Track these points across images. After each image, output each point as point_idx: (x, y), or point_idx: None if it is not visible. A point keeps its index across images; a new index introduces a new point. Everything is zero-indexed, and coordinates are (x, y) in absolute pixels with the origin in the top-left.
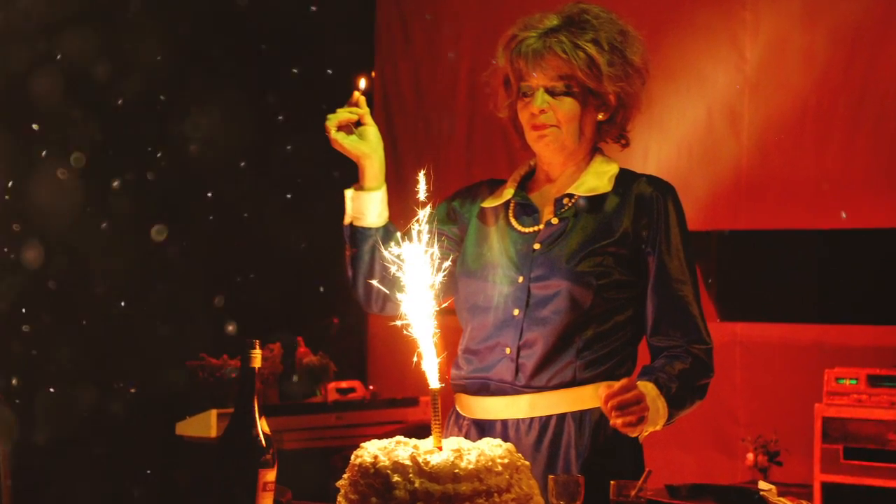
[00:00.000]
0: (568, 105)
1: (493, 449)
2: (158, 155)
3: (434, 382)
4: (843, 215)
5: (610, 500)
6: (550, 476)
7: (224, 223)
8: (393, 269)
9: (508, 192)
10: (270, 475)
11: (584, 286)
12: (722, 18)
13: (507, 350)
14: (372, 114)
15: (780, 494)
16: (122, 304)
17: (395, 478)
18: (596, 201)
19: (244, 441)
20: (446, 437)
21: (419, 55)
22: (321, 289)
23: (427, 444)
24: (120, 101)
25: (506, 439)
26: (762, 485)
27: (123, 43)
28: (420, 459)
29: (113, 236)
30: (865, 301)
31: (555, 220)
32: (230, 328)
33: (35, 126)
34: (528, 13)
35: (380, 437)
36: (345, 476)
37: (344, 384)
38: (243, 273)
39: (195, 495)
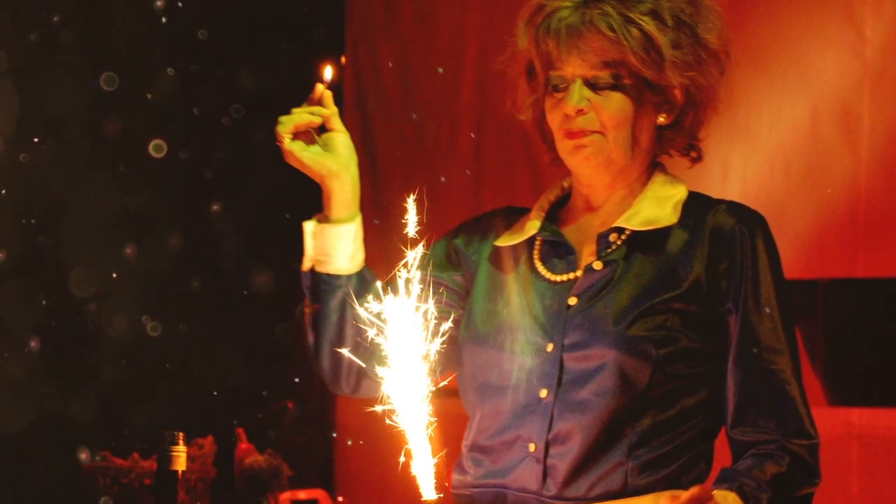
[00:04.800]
0: (616, 103)
1: None
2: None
3: (429, 492)
4: None
5: None
6: None
7: None
8: (371, 332)
9: (533, 226)
10: None
11: (640, 357)
12: None
13: (532, 447)
14: (342, 115)
15: None
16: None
17: None
18: (656, 238)
19: None
20: None
21: (407, 32)
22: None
23: None
24: None
25: None
26: None
27: None
28: None
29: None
30: None
31: (598, 265)
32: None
33: None
34: None
35: None
36: None
37: (302, 494)
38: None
39: None
